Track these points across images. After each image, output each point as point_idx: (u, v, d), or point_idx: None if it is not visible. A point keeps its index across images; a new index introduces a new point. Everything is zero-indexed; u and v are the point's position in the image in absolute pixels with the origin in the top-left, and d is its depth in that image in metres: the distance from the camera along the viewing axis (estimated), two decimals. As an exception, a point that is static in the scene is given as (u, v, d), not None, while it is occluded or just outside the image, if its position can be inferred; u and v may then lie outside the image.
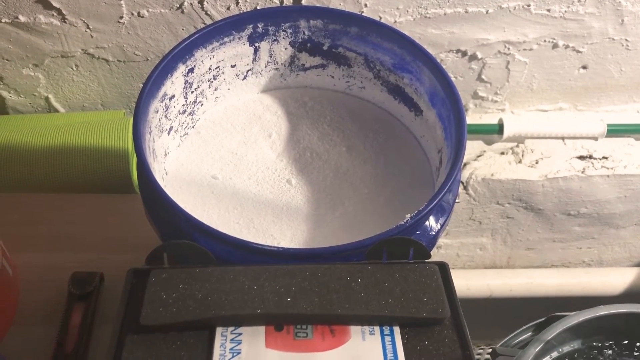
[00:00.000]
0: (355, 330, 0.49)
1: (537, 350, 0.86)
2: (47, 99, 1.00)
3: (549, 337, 0.87)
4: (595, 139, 1.03)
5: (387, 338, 0.48)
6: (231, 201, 0.67)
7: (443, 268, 0.53)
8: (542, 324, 0.90)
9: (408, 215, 0.55)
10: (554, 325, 0.87)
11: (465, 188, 1.01)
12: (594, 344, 0.88)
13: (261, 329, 0.48)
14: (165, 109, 0.66)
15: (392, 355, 0.47)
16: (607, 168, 1.00)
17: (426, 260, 0.53)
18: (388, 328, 0.49)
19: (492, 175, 1.00)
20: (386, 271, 0.51)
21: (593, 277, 1.05)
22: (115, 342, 0.46)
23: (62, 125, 0.94)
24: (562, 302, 1.04)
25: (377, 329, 0.49)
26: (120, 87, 0.98)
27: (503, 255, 1.10)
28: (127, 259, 0.61)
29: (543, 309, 0.93)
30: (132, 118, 0.61)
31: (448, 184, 0.58)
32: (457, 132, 0.61)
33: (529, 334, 0.94)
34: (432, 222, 0.60)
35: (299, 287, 0.50)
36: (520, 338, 0.92)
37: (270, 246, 0.53)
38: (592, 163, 1.01)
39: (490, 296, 1.03)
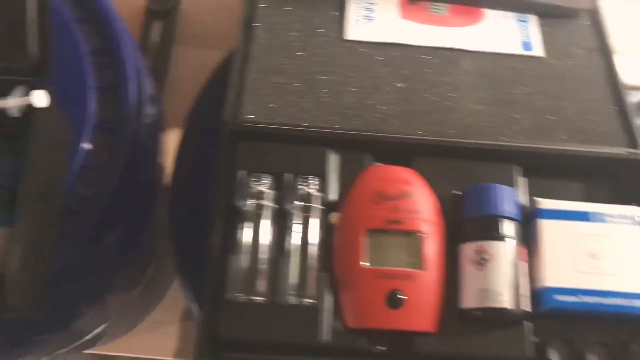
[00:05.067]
0: (489, 12, 0.47)
1: None
2: None
3: None
4: None
5: (523, 23, 0.46)
6: None
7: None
8: None
9: None
10: None
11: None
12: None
13: (393, 1, 0.47)
14: None
15: (527, 37, 0.46)
16: None
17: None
18: (524, 15, 0.47)
19: None
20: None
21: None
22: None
23: None
24: None
25: (512, 14, 0.47)
26: None
27: None
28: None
29: None
30: None
31: None
32: None
33: None
34: None
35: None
36: None
37: None
38: None
39: None
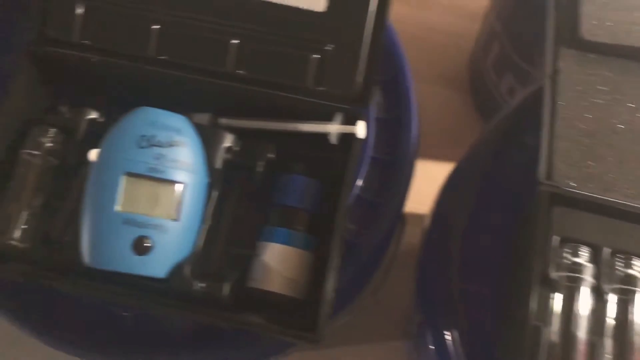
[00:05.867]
0: None
1: None
2: None
3: None
4: None
5: None
6: None
7: None
8: None
9: None
10: None
11: None
12: None
13: None
14: None
15: None
16: None
17: None
18: None
19: None
20: None
21: None
22: (551, 51, 0.43)
23: None
24: None
25: None
26: None
27: None
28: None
29: None
30: None
31: None
32: None
33: None
34: None
35: None
36: None
37: None
38: None
39: None
